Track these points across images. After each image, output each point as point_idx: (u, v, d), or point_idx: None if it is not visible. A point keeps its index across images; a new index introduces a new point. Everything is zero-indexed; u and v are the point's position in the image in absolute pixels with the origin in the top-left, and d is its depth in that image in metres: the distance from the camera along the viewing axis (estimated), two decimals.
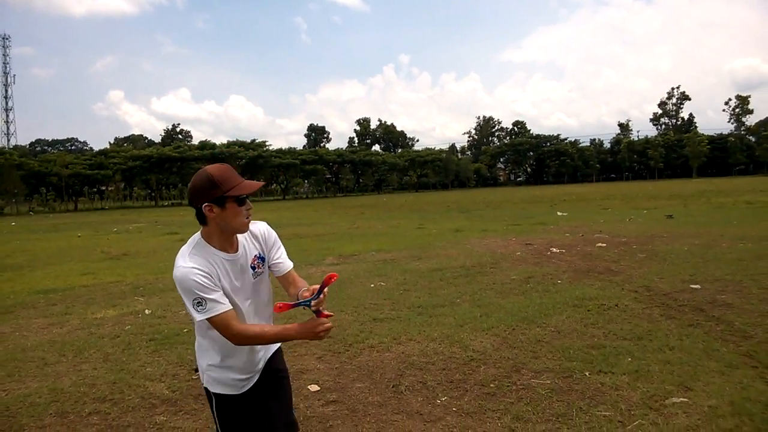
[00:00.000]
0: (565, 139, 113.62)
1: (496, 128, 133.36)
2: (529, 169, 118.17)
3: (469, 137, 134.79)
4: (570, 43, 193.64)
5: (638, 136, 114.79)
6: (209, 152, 73.56)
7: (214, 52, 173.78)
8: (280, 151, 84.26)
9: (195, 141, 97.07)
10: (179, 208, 56.00)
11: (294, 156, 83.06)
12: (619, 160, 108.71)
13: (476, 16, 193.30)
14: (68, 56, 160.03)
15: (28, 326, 6.52)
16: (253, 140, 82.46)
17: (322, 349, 5.00)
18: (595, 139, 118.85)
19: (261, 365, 2.30)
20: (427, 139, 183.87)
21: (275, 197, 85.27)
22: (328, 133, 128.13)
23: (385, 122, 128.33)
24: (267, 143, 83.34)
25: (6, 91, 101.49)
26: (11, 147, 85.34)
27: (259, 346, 2.27)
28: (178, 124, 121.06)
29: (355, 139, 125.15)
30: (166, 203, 73.22)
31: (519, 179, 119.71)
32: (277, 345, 2.42)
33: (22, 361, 5.07)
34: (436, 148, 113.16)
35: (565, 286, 7.30)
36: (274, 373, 2.36)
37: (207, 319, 2.03)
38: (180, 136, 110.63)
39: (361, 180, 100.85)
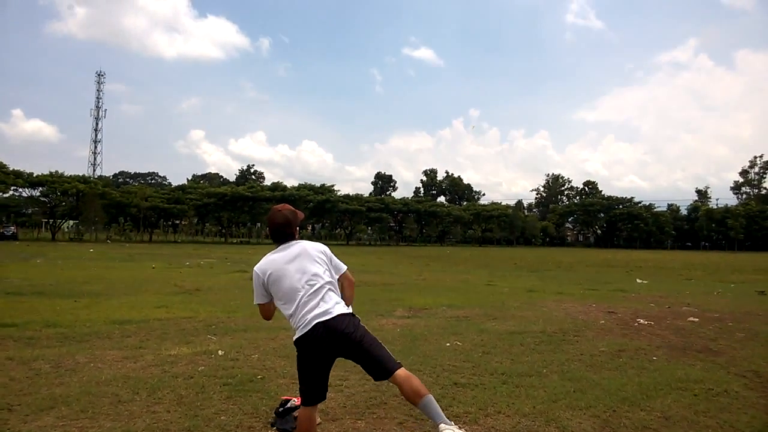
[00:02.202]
0: (639, 202, 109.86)
1: (565, 187, 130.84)
2: (599, 231, 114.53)
3: (536, 194, 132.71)
4: (646, 105, 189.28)
5: (717, 204, 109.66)
6: (280, 194, 75.52)
7: (292, 99, 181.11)
8: (347, 196, 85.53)
9: (267, 182, 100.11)
10: (247, 246, 57.34)
11: (360, 202, 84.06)
12: (696, 228, 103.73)
13: (549, 75, 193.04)
14: (156, 95, 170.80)
15: (102, 358, 6.49)
16: (322, 185, 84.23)
17: (403, 414, 4.64)
18: (672, 204, 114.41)
19: None
20: (493, 193, 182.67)
21: (338, 242, 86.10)
22: (395, 182, 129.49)
23: (452, 174, 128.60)
24: (335, 188, 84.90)
25: (97, 124, 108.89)
26: (96, 177, 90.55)
27: None
28: (253, 165, 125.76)
29: (421, 189, 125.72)
30: (235, 240, 75.20)
31: (588, 240, 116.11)
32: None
33: (96, 396, 4.97)
34: (503, 203, 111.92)
35: (663, 364, 6.66)
36: None
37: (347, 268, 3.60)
38: (253, 177, 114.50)
39: (424, 230, 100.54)
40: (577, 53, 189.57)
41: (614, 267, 30.91)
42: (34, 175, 60.07)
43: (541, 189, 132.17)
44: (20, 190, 61.73)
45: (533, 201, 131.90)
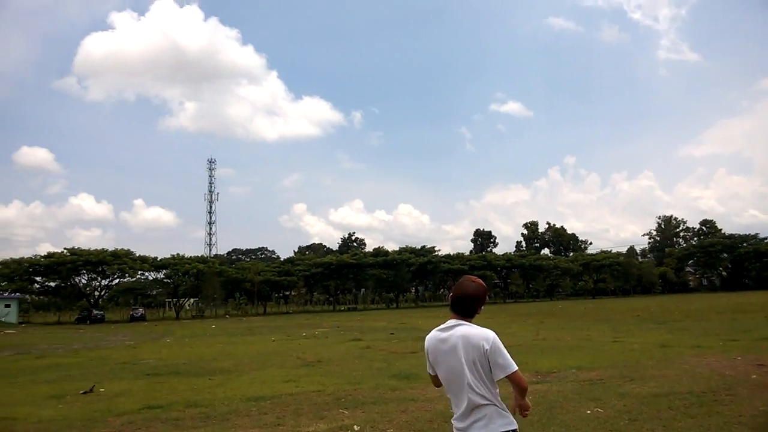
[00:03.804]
0: (765, 238, 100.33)
1: (680, 228, 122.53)
2: (724, 273, 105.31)
3: (649, 239, 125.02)
4: (756, 134, 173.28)
5: None
6: (382, 259, 76.58)
7: (385, 165, 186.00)
8: (448, 256, 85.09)
9: (368, 248, 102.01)
10: (354, 313, 58.10)
11: (462, 261, 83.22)
12: None
13: (646, 114, 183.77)
14: (261, 175, 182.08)
15: None
16: (423, 246, 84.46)
17: None
18: None
19: None
20: (601, 241, 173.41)
21: (443, 303, 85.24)
22: (494, 238, 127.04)
23: (554, 225, 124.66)
24: (436, 249, 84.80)
25: (210, 207, 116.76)
26: (212, 256, 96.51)
27: None
28: (353, 232, 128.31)
29: (523, 243, 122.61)
30: (343, 308, 76.55)
31: (713, 284, 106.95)
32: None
33: None
34: (613, 251, 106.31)
35: None
36: None
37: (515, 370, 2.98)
38: (355, 244, 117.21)
39: (531, 285, 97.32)
40: (674, 88, 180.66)
41: (750, 312, 28.14)
42: (158, 259, 65.25)
43: (654, 232, 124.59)
44: (146, 274, 67.16)
45: (646, 246, 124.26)
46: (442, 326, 3.13)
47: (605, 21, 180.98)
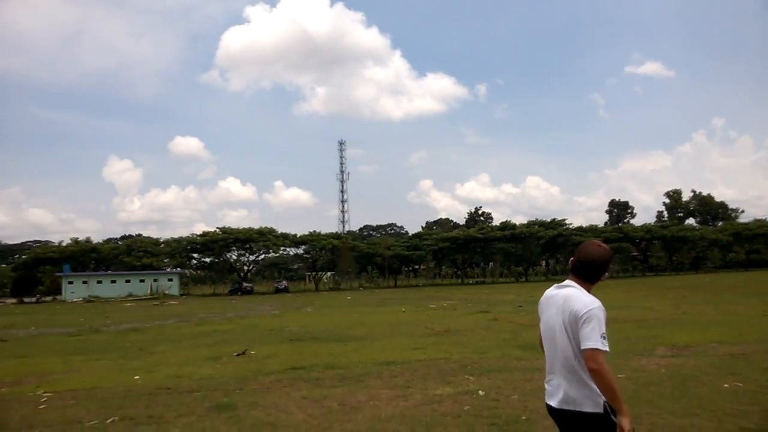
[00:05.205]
0: None
1: None
2: None
3: None
4: None
5: None
6: (509, 232, 75.27)
7: (511, 138, 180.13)
8: (580, 228, 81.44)
9: (495, 222, 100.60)
10: (483, 287, 57.98)
11: (596, 233, 79.33)
12: None
13: None
14: (388, 153, 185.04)
15: (378, 396, 7.28)
16: (553, 219, 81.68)
17: None
18: None
19: None
20: (755, 209, 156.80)
21: None
22: (632, 208, 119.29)
23: (700, 193, 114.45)
24: (566, 221, 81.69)
25: (342, 186, 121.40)
26: (346, 232, 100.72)
27: None
28: (480, 207, 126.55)
29: (665, 212, 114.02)
30: (471, 281, 76.70)
31: None
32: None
33: None
34: None
35: None
36: None
37: (604, 352, 2.61)
38: (482, 218, 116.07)
39: (674, 258, 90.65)
40: None
41: None
42: (298, 236, 69.55)
43: None
44: (288, 249, 72.13)
45: None
46: (559, 284, 3.00)
47: None
